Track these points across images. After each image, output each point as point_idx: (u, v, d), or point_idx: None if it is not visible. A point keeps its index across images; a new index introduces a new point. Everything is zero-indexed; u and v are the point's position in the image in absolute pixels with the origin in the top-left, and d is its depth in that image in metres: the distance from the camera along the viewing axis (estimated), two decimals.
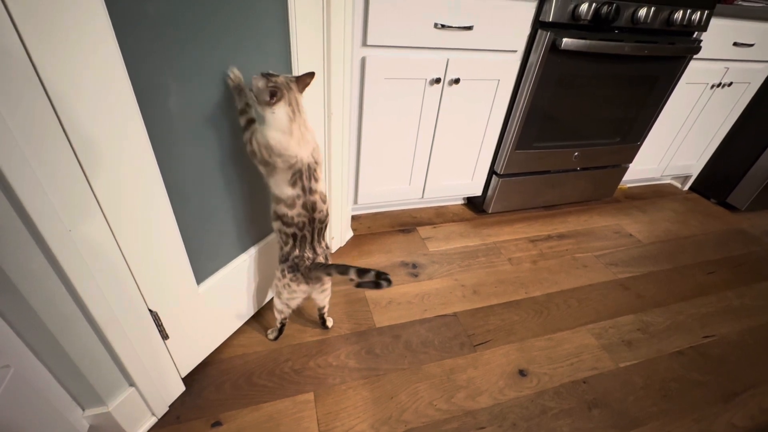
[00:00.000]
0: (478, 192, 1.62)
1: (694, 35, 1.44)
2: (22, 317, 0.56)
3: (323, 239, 0.91)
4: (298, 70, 0.90)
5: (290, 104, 0.75)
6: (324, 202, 0.86)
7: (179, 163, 0.72)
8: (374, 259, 1.38)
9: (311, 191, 0.82)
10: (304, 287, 0.92)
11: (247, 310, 1.08)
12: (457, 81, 1.23)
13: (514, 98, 1.37)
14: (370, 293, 1.24)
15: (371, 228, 1.53)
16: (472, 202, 1.74)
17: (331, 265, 0.88)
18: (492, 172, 1.56)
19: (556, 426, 0.94)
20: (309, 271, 0.88)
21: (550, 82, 1.31)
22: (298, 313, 1.14)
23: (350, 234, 1.45)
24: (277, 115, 0.74)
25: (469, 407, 0.96)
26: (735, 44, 1.53)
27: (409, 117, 1.29)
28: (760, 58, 1.63)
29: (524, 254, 1.50)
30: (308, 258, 0.88)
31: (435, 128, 1.34)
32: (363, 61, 1.12)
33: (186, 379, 0.93)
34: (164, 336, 0.80)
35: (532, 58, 1.27)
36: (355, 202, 1.44)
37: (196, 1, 0.64)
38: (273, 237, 1.05)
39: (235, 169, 0.85)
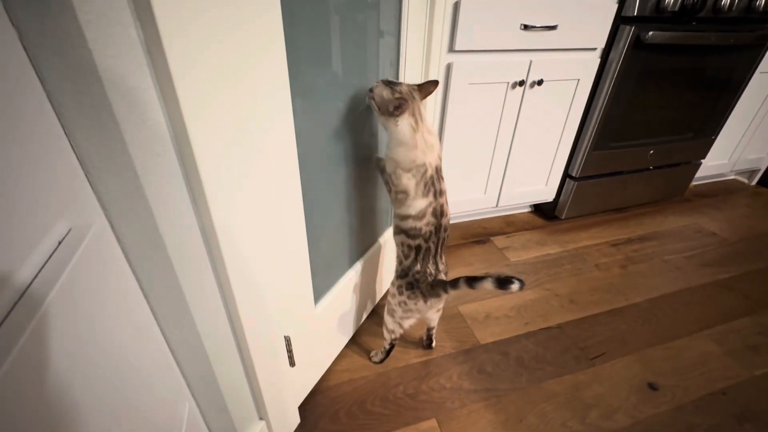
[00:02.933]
0: (551, 198, 1.56)
1: None
2: (189, 347, 0.51)
3: (443, 253, 0.85)
4: (405, 77, 0.88)
5: (413, 114, 0.72)
6: (447, 204, 0.81)
7: (309, 178, 0.68)
8: (457, 273, 1.31)
9: (441, 193, 0.78)
10: (421, 305, 0.86)
11: (348, 331, 1.02)
12: (540, 83, 1.20)
13: (592, 98, 1.33)
14: (464, 308, 1.17)
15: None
16: (539, 209, 1.68)
17: (457, 279, 0.80)
18: (566, 175, 1.50)
19: None
20: (431, 288, 0.82)
21: (630, 79, 1.27)
22: None
23: None
24: (401, 127, 0.72)
25: (607, 427, 0.87)
26: None
27: (489, 123, 1.25)
28: None
29: (610, 259, 1.42)
30: (430, 274, 0.82)
31: (514, 134, 1.30)
32: (449, 67, 1.10)
33: (299, 410, 0.87)
34: (292, 363, 0.74)
35: (613, 54, 1.23)
36: None
37: (349, 37, 0.62)
38: (374, 250, 1.00)
39: (353, 180, 0.82)
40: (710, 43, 1.27)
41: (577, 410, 0.90)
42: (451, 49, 1.08)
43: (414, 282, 0.82)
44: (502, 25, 1.07)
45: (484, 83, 1.16)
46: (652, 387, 0.96)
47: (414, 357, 1.02)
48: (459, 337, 1.08)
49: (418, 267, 0.81)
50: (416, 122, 0.73)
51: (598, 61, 1.25)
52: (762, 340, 1.11)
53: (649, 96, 1.35)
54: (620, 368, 1.01)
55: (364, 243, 0.97)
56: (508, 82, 1.18)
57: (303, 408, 0.88)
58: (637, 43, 1.19)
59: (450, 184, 1.34)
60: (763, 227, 1.65)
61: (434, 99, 1.13)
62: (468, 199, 1.40)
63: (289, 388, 0.77)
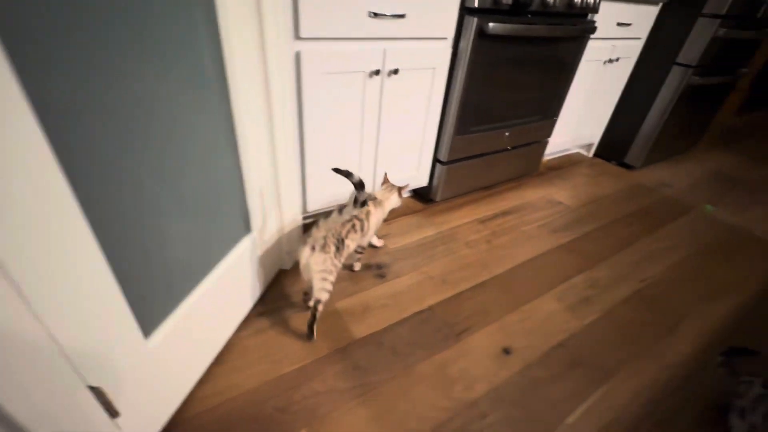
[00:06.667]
0: (425, 182, 1.62)
1: (588, 17, 1.61)
2: None
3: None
4: (234, 71, 0.78)
5: None
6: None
7: (103, 183, 0.56)
8: None
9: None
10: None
11: (209, 352, 0.92)
12: (396, 72, 1.20)
13: (449, 86, 1.39)
14: (341, 304, 1.16)
15: None
16: (419, 193, 1.74)
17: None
18: (436, 160, 1.57)
19: (549, 393, 0.97)
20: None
21: (480, 67, 1.36)
22: (272, 341, 1.01)
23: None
24: None
25: (468, 398, 0.94)
26: (618, 24, 1.75)
27: (351, 112, 1.22)
28: (636, 35, 1.89)
29: (478, 236, 1.54)
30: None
31: (379, 122, 1.30)
32: (298, 55, 1.03)
33: None
34: (113, 414, 0.63)
35: (462, 44, 1.29)
36: (305, 210, 1.33)
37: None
38: (237, 253, 0.91)
39: (184, 173, 0.71)
40: (542, 35, 1.41)
41: (444, 388, 0.96)
42: (298, 37, 1.01)
43: None
44: (349, 11, 1.03)
45: (339, 72, 1.12)
46: (507, 351, 1.07)
47: (288, 365, 0.97)
48: (336, 335, 1.07)
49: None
50: None
51: (450, 50, 1.30)
52: (592, 292, 1.32)
53: (499, 83, 1.47)
54: (482, 339, 1.10)
55: (219, 249, 0.87)
56: (365, 71, 1.16)
57: None
58: (481, 34, 1.26)
59: (320, 179, 1.29)
60: (597, 192, 1.97)
61: (289, 89, 1.05)
62: (341, 191, 1.37)
63: None
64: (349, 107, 1.20)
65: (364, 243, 1.20)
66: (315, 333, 1.02)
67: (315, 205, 1.33)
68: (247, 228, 1.00)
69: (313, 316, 0.99)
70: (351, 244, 1.07)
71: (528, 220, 1.67)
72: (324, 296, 0.99)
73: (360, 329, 1.09)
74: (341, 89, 1.15)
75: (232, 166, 0.88)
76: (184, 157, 0.71)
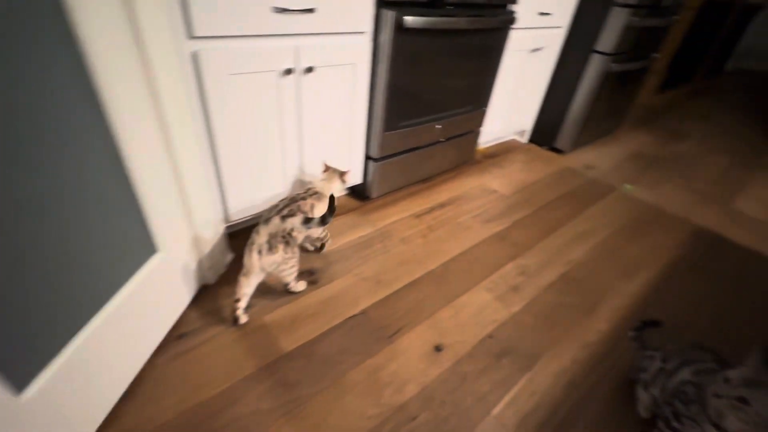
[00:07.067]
0: (359, 180, 1.59)
1: (507, 8, 1.63)
2: None
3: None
4: (106, 76, 0.69)
5: None
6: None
7: None
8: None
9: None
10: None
11: (115, 389, 0.84)
12: (310, 69, 1.14)
13: (374, 81, 1.35)
14: (269, 317, 1.11)
15: None
16: (354, 191, 1.71)
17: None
18: (367, 157, 1.54)
19: (477, 387, 1.00)
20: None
21: (402, 61, 1.33)
22: (191, 365, 0.95)
23: (230, 256, 1.27)
24: None
25: (398, 402, 0.95)
26: (540, 14, 1.79)
27: (268, 114, 1.15)
28: (557, 24, 1.95)
29: (414, 231, 1.54)
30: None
31: (300, 122, 1.24)
32: (195, 56, 0.94)
33: None
34: None
35: (382, 38, 1.25)
36: (227, 220, 1.25)
37: None
38: (145, 273, 0.83)
39: (52, 198, 0.62)
40: (462, 27, 1.40)
41: (374, 393, 0.96)
42: (192, 36, 0.91)
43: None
44: (249, 7, 0.96)
45: (247, 73, 1.04)
46: (438, 349, 1.09)
47: (208, 390, 0.92)
48: (262, 351, 1.02)
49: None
50: None
51: (370, 44, 1.26)
52: (521, 280, 1.37)
53: (425, 76, 1.45)
54: (413, 339, 1.11)
55: (116, 278, 0.79)
56: (276, 71, 1.09)
57: None
58: (400, 28, 1.23)
59: (240, 187, 1.22)
60: (528, 179, 2.04)
61: (190, 93, 0.96)
62: (267, 196, 1.30)
63: None
64: (265, 109, 1.13)
65: (314, 235, 1.26)
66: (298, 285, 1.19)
67: (238, 210, 1.25)
68: (152, 249, 0.92)
69: (288, 289, 1.17)
70: (299, 236, 1.07)
71: (463, 211, 1.70)
72: (292, 278, 1.12)
73: (289, 342, 1.05)
74: (253, 90, 1.07)
75: (120, 185, 0.79)
76: (49, 181, 0.63)
